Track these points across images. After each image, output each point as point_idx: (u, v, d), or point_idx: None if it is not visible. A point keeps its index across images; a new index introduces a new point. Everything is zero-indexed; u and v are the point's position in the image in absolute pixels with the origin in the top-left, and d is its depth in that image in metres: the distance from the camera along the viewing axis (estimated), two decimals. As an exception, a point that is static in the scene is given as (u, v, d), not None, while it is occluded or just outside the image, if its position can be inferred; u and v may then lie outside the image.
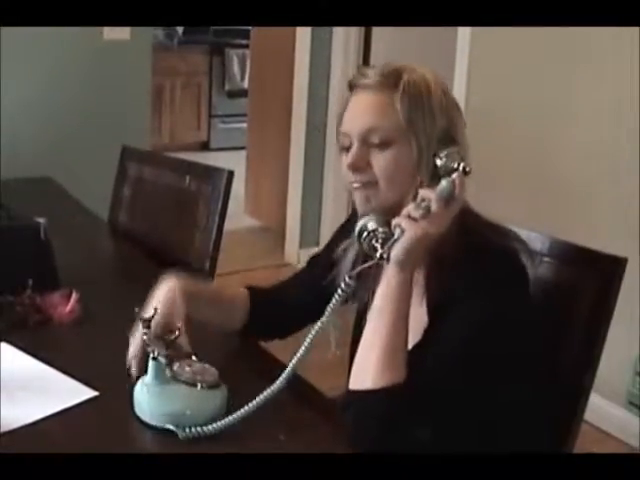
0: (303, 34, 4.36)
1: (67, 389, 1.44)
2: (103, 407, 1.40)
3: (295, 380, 1.34)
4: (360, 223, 1.33)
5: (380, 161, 1.32)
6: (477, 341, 1.26)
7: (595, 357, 1.47)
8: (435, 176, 1.30)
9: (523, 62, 3.22)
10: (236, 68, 6.89)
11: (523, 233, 1.58)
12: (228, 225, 2.21)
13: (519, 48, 3.21)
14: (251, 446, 1.29)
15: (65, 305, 1.72)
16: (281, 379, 1.31)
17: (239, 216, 4.87)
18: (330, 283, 1.45)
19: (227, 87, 6.92)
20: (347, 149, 1.36)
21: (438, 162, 1.30)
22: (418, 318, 1.31)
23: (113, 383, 1.44)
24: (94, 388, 1.43)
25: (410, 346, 1.29)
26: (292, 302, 1.63)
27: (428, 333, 1.30)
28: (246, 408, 1.31)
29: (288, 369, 1.32)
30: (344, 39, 4.31)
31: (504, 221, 1.60)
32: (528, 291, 1.34)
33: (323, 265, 1.54)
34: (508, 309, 1.29)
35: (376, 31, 4.40)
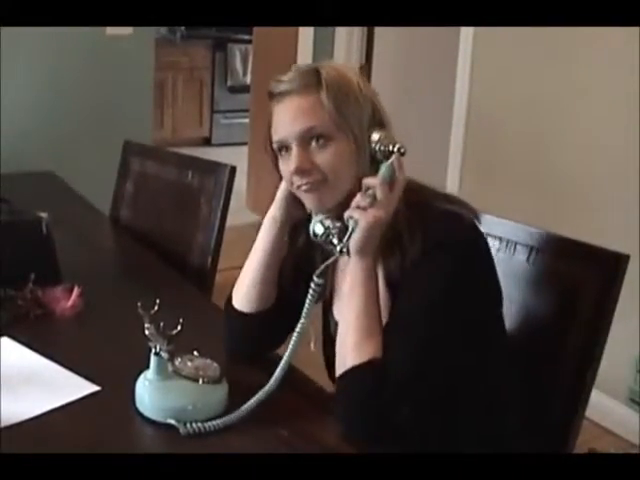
0: (306, 30, 4.36)
1: (69, 384, 1.44)
2: (105, 402, 1.40)
3: (296, 376, 1.35)
4: (313, 223, 1.36)
5: (325, 159, 1.33)
6: (439, 308, 1.27)
7: (597, 354, 1.48)
8: (374, 162, 1.34)
9: (525, 61, 3.22)
10: (238, 63, 6.88)
11: (525, 229, 1.59)
12: (230, 220, 2.21)
13: (521, 47, 3.20)
14: (253, 441, 1.29)
15: (67, 299, 1.73)
16: (271, 383, 1.33)
17: (241, 211, 4.86)
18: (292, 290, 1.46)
19: (229, 82, 6.91)
20: (284, 149, 1.37)
21: (374, 147, 1.33)
22: (383, 299, 1.33)
23: (115, 378, 1.44)
24: (96, 383, 1.43)
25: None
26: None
27: (392, 313, 1.32)
28: (242, 409, 1.32)
29: (276, 373, 1.33)
30: (347, 38, 4.31)
31: (506, 217, 1.61)
32: (485, 247, 1.36)
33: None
34: (465, 268, 1.30)
35: (379, 30, 4.39)
